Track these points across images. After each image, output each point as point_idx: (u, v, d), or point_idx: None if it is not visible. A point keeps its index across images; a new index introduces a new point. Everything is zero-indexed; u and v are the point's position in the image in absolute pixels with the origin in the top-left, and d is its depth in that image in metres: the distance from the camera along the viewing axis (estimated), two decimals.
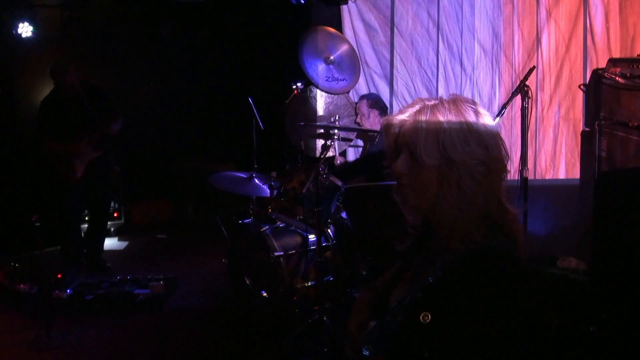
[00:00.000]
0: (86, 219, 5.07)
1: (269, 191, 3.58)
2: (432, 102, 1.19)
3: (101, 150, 4.48)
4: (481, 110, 1.19)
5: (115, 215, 6.00)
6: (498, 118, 3.10)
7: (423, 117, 1.16)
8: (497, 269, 1.09)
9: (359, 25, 5.23)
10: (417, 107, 1.19)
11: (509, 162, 1.20)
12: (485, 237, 1.12)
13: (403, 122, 1.20)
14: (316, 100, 4.49)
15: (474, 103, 1.19)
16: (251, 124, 3.94)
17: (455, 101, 1.18)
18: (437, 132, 1.14)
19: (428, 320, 1.08)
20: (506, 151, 1.19)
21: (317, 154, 4.40)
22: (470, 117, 1.16)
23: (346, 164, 4.31)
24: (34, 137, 4.55)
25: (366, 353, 1.20)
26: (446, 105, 1.17)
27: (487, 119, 1.18)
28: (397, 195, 1.25)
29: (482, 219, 1.14)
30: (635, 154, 2.56)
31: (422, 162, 1.14)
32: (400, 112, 1.22)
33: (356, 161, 4.24)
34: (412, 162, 1.17)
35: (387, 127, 1.24)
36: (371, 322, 1.25)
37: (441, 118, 1.15)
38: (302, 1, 5.19)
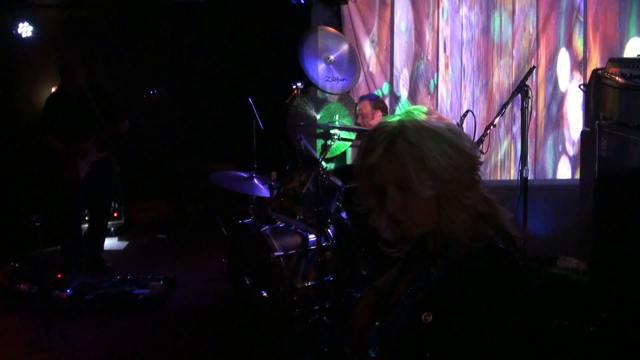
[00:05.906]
0: (86, 219, 5.07)
1: (269, 191, 3.58)
2: (394, 126, 1.11)
3: (106, 152, 4.48)
4: (438, 114, 1.15)
5: (115, 215, 5.98)
6: (498, 118, 3.10)
7: (400, 149, 1.08)
8: (495, 267, 1.09)
9: (359, 25, 5.24)
10: (382, 139, 1.11)
11: (480, 154, 1.16)
12: (486, 234, 1.11)
13: (376, 159, 1.11)
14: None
15: (430, 111, 1.14)
16: (251, 124, 3.93)
17: (416, 116, 1.12)
18: (423, 160, 1.07)
19: (430, 320, 1.07)
20: (471, 142, 1.15)
21: (317, 154, 4.39)
22: (439, 129, 1.10)
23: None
24: (37, 135, 4.52)
25: (372, 355, 1.19)
26: (411, 127, 1.09)
27: (447, 121, 1.13)
28: (386, 228, 1.21)
29: (478, 217, 1.13)
30: (635, 154, 2.56)
31: (420, 194, 1.09)
32: (368, 150, 1.13)
33: None
34: (404, 196, 1.11)
35: (361, 168, 1.16)
36: (376, 323, 1.23)
37: (418, 143, 1.08)
38: (302, 1, 5.20)
